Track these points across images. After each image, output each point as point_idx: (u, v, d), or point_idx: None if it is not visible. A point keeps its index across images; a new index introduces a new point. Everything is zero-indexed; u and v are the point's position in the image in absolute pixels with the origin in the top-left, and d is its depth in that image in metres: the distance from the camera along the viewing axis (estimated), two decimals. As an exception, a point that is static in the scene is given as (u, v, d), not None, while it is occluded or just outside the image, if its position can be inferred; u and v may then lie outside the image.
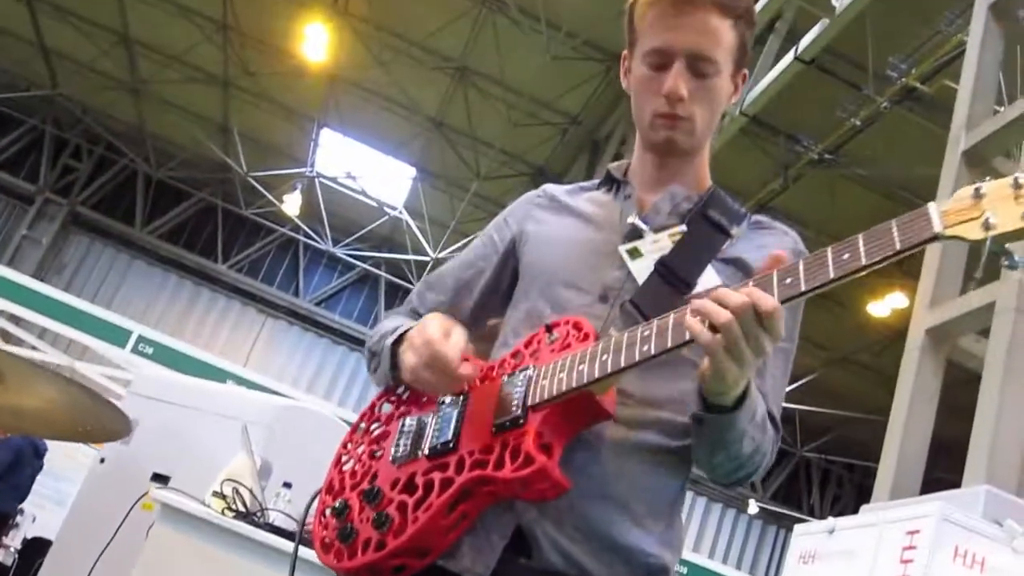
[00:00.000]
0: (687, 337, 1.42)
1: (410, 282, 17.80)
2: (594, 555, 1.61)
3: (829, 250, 1.33)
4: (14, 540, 7.86)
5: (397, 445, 1.74)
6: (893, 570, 3.79)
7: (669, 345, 1.45)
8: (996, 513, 3.89)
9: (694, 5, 1.71)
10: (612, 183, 1.93)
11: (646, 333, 1.50)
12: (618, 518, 1.63)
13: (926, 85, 9.94)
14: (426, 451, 1.66)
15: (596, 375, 1.52)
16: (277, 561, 3.27)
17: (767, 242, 1.77)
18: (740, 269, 1.71)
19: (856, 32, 9.35)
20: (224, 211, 18.05)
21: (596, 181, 1.98)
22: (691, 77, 1.74)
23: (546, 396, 1.56)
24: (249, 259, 18.18)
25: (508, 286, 1.93)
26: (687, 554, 16.74)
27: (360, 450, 1.82)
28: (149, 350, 12.44)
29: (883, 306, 13.71)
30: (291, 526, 3.47)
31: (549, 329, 1.68)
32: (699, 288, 1.63)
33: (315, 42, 13.09)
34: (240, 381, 11.40)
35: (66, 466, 8.92)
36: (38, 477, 7.26)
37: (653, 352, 1.47)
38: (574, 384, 1.53)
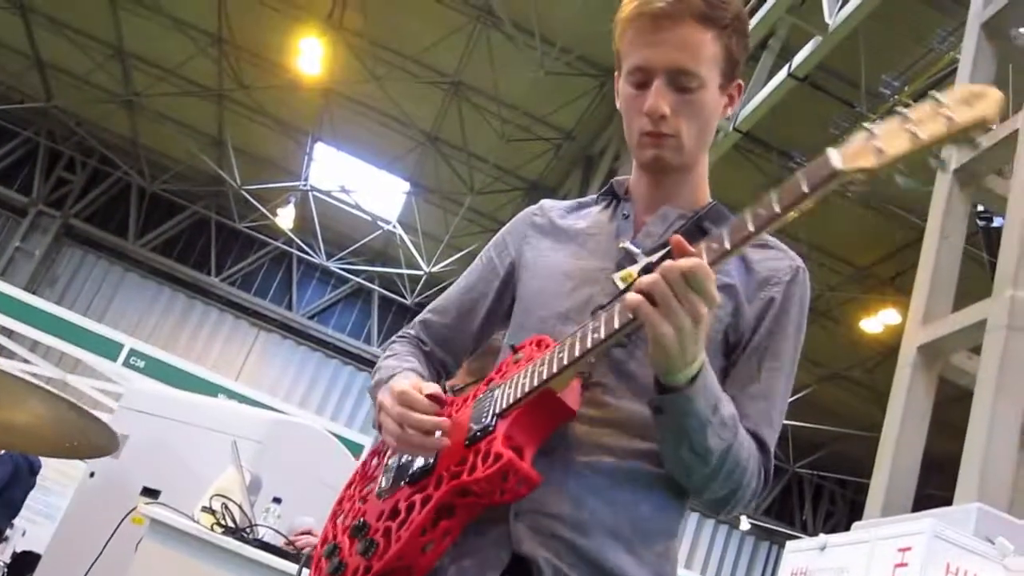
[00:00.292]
0: (629, 316, 1.44)
1: (403, 296, 17.80)
2: None
3: (747, 209, 1.40)
4: (3, 554, 7.82)
5: (382, 481, 1.79)
6: (885, 587, 3.79)
7: (616, 327, 1.48)
8: (988, 530, 3.88)
9: (672, 19, 1.67)
10: (612, 198, 1.92)
11: (596, 324, 1.52)
12: (613, 547, 1.63)
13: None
14: (408, 479, 1.70)
15: (554, 370, 1.55)
16: (266, 577, 3.26)
17: (757, 260, 1.77)
18: (727, 294, 1.70)
19: (849, 49, 9.39)
20: (218, 224, 18.03)
21: (594, 196, 1.96)
22: (673, 93, 1.71)
23: (510, 401, 1.60)
24: (242, 272, 18.16)
25: (509, 306, 1.95)
26: (679, 571, 16.70)
27: (352, 503, 1.87)
28: (141, 363, 12.40)
29: (876, 322, 13.74)
30: (280, 542, 3.46)
31: (515, 351, 1.73)
32: None
33: (310, 56, 13.11)
34: (232, 395, 11.36)
35: (56, 480, 8.89)
36: (29, 491, 7.23)
37: (603, 336, 1.49)
38: (535, 383, 1.57)
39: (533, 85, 12.34)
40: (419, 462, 1.70)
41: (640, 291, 1.41)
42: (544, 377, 1.56)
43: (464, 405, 1.74)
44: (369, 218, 16.78)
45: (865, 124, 1.33)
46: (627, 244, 1.74)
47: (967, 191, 6.37)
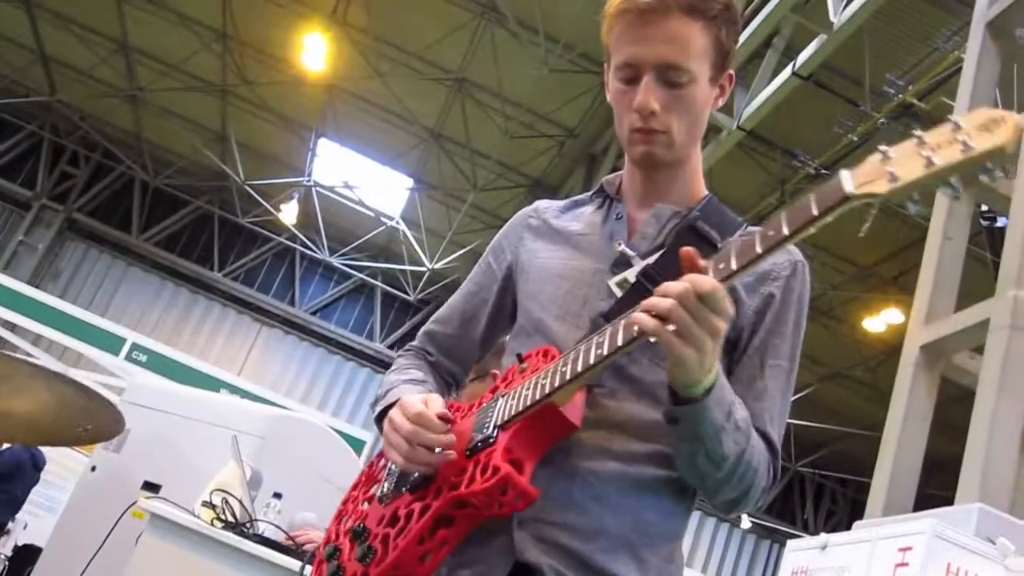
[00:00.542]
0: (635, 333, 1.43)
1: (406, 292, 17.81)
2: None
3: (757, 229, 1.39)
4: (5, 547, 7.84)
5: (383, 486, 1.79)
6: (885, 587, 3.78)
7: (620, 343, 1.47)
8: (989, 531, 3.88)
9: (659, 13, 1.65)
10: (604, 198, 1.90)
11: (600, 339, 1.51)
12: (618, 555, 1.63)
13: (923, 102, 9.96)
14: (409, 486, 1.69)
15: (556, 384, 1.54)
16: (265, 572, 3.25)
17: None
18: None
19: (854, 48, 9.37)
20: (221, 219, 18.04)
21: (589, 194, 1.95)
22: (663, 88, 1.68)
23: (512, 413, 1.59)
24: (245, 268, 18.16)
25: (512, 309, 1.94)
26: (680, 568, 16.69)
27: (356, 504, 1.87)
28: (143, 358, 12.42)
29: (878, 322, 13.72)
30: (280, 537, 3.45)
31: (521, 360, 1.71)
32: None
33: (314, 52, 13.10)
34: (234, 390, 11.40)
35: (58, 473, 8.90)
36: (31, 485, 7.24)
37: (606, 352, 1.49)
38: (537, 397, 1.56)
39: (537, 82, 12.33)
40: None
41: (659, 316, 1.40)
42: (546, 391, 1.55)
43: (468, 413, 1.73)
44: (372, 214, 16.79)
45: (880, 147, 1.30)
46: (623, 247, 1.74)
47: (970, 191, 6.36)
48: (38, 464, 6.97)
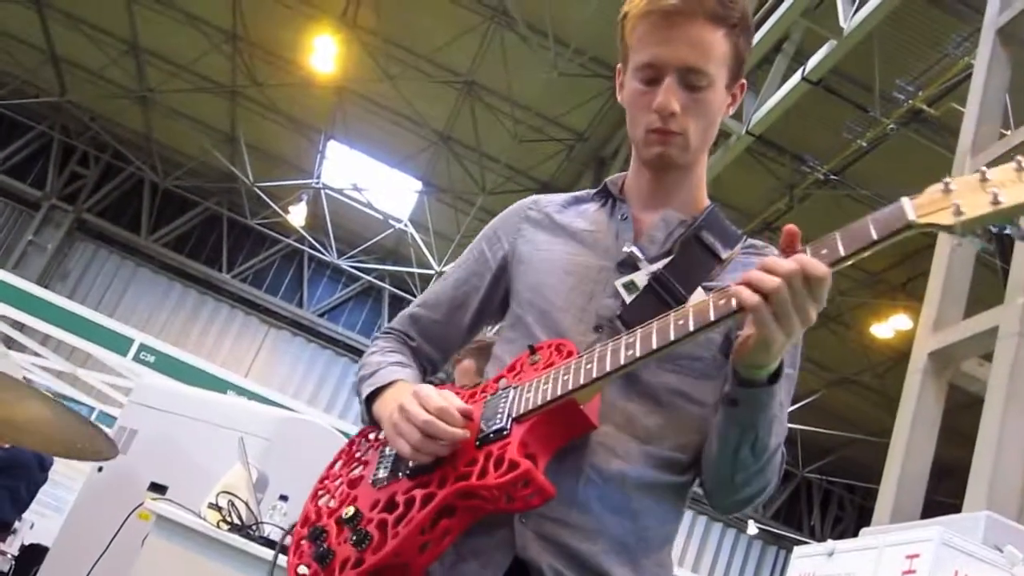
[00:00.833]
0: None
1: (414, 295, 17.80)
2: None
3: (809, 245, 1.39)
4: (11, 546, 7.84)
5: (378, 469, 1.73)
6: (892, 594, 3.77)
7: (654, 347, 1.46)
8: (996, 539, 3.86)
9: (685, 16, 1.66)
10: (607, 197, 1.89)
11: (631, 340, 1.50)
12: (616, 557, 1.62)
13: (933, 108, 9.95)
14: (408, 472, 1.65)
15: (581, 381, 1.52)
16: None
17: None
18: None
19: (864, 54, 9.36)
20: (230, 221, 18.08)
21: (590, 192, 1.94)
22: (683, 91, 1.69)
23: (530, 406, 1.56)
24: (254, 269, 18.20)
25: (501, 300, 1.92)
26: (687, 574, 16.67)
27: (337, 483, 1.81)
28: (151, 358, 12.43)
29: (887, 328, 13.70)
30: (287, 540, 3.45)
31: (533, 351, 1.69)
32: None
33: (323, 54, 13.13)
34: (241, 392, 11.39)
35: (65, 474, 8.91)
36: (38, 484, 7.25)
37: (638, 355, 1.48)
38: (559, 392, 1.53)
39: (546, 86, 12.33)
40: None
41: (761, 292, 1.37)
42: (570, 387, 1.52)
43: (471, 400, 1.69)
44: (381, 216, 16.80)
45: (946, 179, 1.30)
46: (632, 248, 1.73)
47: (980, 197, 6.33)
48: (44, 464, 6.97)
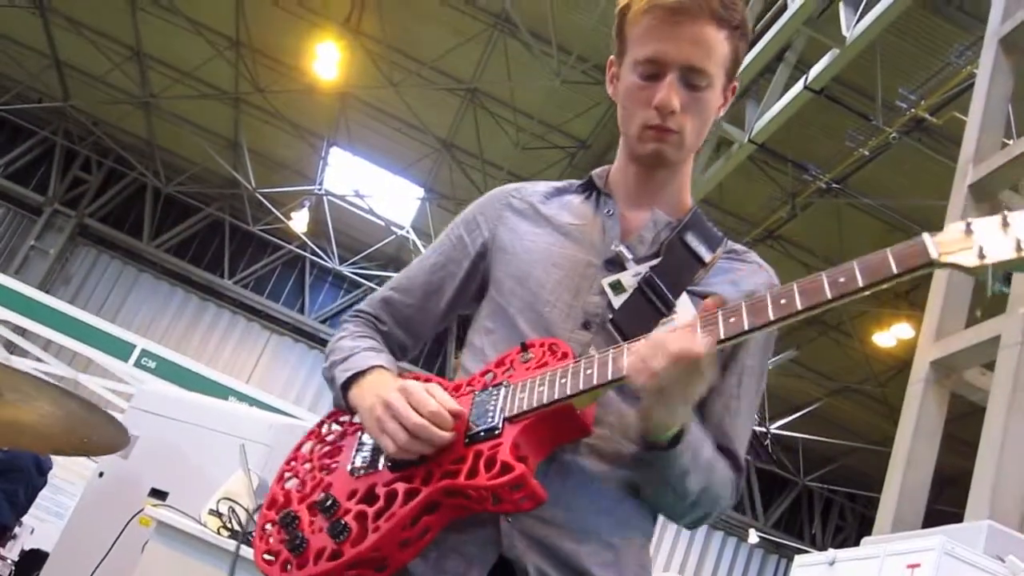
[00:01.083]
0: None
1: (415, 302, 17.78)
2: None
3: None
4: (11, 551, 7.83)
5: (355, 457, 1.69)
6: (893, 604, 3.76)
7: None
8: (998, 548, 3.86)
9: (690, 15, 1.66)
10: (591, 189, 1.88)
11: (633, 348, 1.50)
12: (601, 558, 1.62)
13: (935, 116, 9.94)
14: (389, 463, 1.62)
15: (581, 387, 1.51)
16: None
17: (740, 277, 1.76)
18: None
19: (866, 62, 9.37)
20: (232, 227, 18.07)
21: (574, 182, 1.92)
22: (683, 89, 1.69)
23: (525, 408, 1.54)
24: (255, 275, 18.18)
25: (478, 287, 1.90)
26: (687, 582, 16.64)
27: (307, 467, 1.77)
28: (152, 364, 12.41)
29: (889, 336, 13.67)
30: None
31: (524, 348, 1.66)
32: (677, 312, 1.64)
33: (326, 61, 13.12)
34: (242, 398, 11.39)
35: (66, 479, 8.90)
36: (38, 489, 7.24)
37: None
38: (556, 396, 1.52)
39: (549, 94, 12.34)
40: None
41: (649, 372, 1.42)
42: (568, 392, 1.51)
43: (456, 393, 1.66)
44: (383, 223, 16.81)
45: (969, 219, 1.30)
46: (621, 248, 1.73)
47: (982, 206, 6.34)
48: (42, 468, 6.96)
